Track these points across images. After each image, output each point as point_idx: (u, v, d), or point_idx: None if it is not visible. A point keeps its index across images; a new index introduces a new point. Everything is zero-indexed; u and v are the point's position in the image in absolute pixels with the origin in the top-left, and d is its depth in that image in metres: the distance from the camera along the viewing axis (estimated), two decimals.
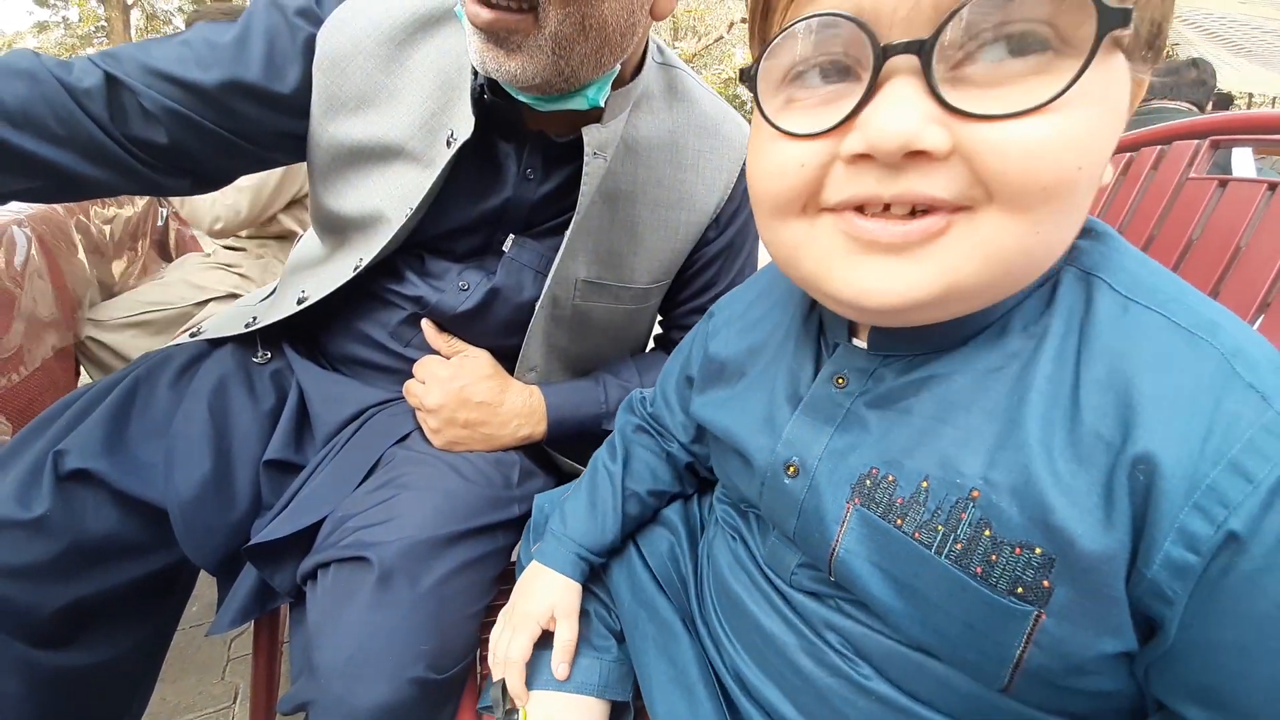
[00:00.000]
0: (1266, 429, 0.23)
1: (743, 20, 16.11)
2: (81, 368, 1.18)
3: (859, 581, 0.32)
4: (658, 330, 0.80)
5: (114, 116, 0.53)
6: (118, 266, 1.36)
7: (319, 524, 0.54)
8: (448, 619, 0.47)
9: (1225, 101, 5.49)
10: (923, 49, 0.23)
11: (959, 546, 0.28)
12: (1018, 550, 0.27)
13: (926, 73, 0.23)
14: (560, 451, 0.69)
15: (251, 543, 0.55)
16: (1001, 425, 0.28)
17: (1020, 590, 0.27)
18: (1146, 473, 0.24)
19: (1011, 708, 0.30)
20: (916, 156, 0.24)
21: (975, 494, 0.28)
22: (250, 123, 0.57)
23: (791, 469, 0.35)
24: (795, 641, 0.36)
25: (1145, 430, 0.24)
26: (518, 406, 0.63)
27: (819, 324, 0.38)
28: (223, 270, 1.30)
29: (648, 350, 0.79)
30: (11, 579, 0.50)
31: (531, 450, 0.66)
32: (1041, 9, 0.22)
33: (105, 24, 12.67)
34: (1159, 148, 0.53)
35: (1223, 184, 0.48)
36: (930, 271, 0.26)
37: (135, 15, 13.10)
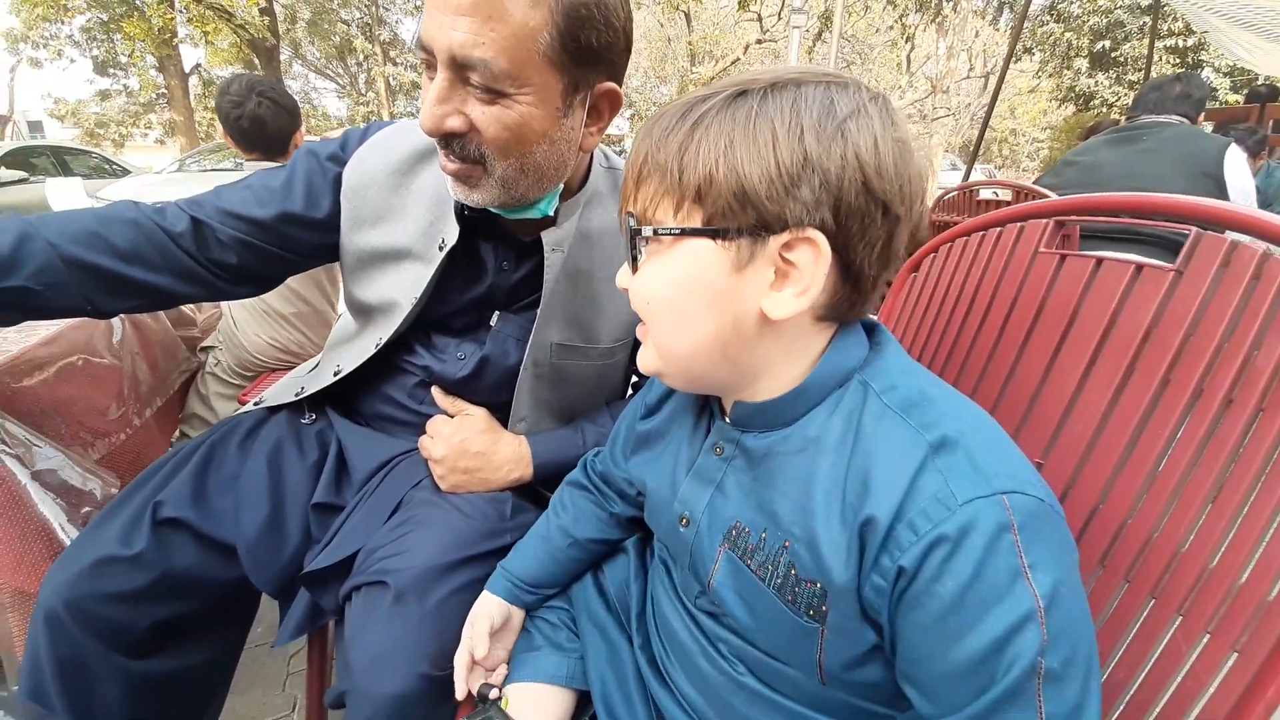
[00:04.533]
0: (938, 500, 0.34)
1: (758, 42, 16.33)
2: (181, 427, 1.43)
3: (726, 603, 0.44)
4: (635, 379, 0.93)
5: (198, 247, 0.71)
6: (202, 328, 1.59)
7: (356, 554, 0.69)
8: (448, 629, 0.59)
9: (1270, 92, 5.21)
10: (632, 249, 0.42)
11: (779, 581, 0.40)
12: (809, 585, 0.38)
13: (630, 260, 0.43)
14: (549, 489, 0.82)
15: (304, 571, 0.70)
16: (801, 494, 0.40)
17: (811, 613, 0.38)
18: (869, 529, 0.36)
19: (834, 695, 0.41)
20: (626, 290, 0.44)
21: (787, 544, 0.40)
22: (297, 242, 0.75)
23: (684, 520, 0.47)
24: (698, 649, 0.48)
25: (870, 501, 0.36)
26: (508, 454, 0.76)
27: (709, 403, 0.50)
28: (275, 323, 1.52)
29: (626, 398, 0.92)
30: (114, 603, 0.65)
31: (522, 488, 0.79)
32: (627, 246, 0.42)
33: (165, 91, 13.77)
34: (1019, 225, 0.63)
35: (1062, 258, 0.58)
36: (647, 354, 0.45)
37: (193, 82, 14.22)
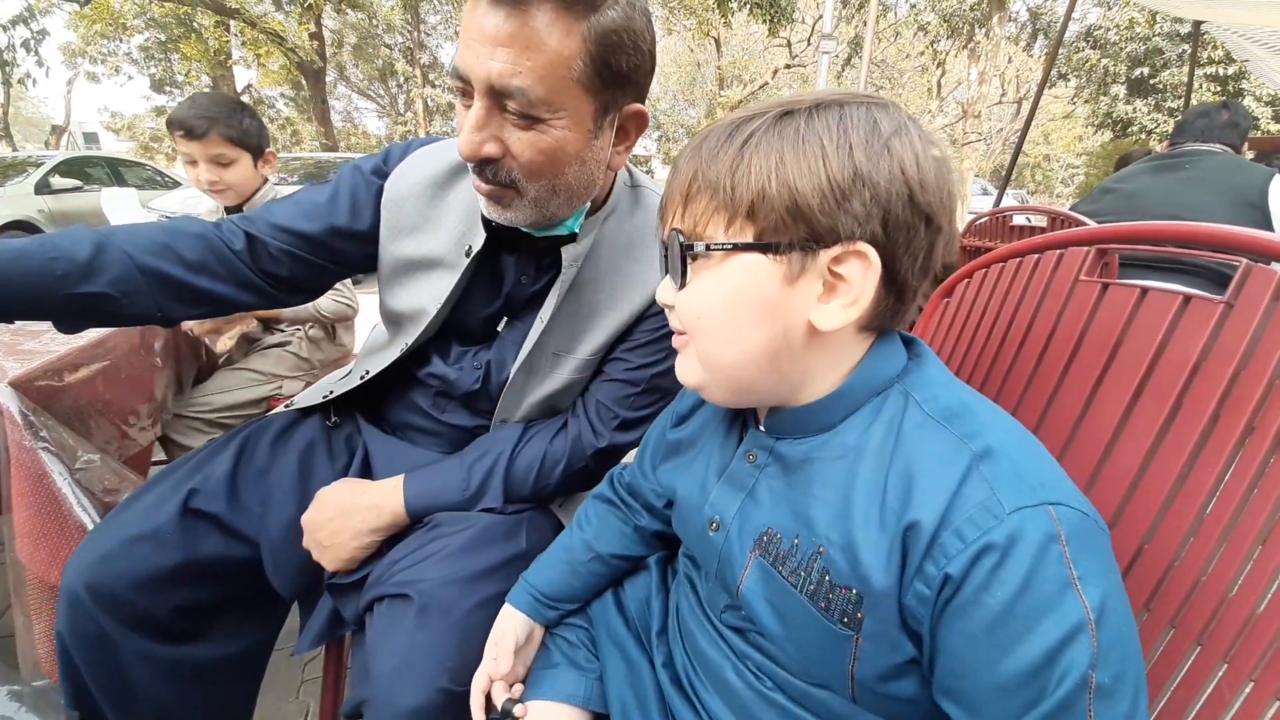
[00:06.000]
0: (985, 508, 0.33)
1: (787, 67, 16.51)
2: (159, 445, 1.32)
3: (754, 610, 0.43)
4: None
5: (254, 259, 0.74)
6: (227, 339, 1.63)
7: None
8: (470, 644, 0.59)
9: None
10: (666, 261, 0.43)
11: (812, 587, 0.39)
12: (844, 590, 0.38)
13: (675, 276, 0.43)
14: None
15: (331, 581, 0.71)
16: (839, 499, 0.39)
17: (845, 620, 0.37)
18: (912, 534, 0.35)
19: (863, 715, 0.40)
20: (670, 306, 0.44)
21: (822, 549, 0.39)
22: (342, 253, 0.78)
23: (715, 525, 0.47)
24: (727, 664, 0.47)
25: (914, 506, 0.35)
26: (364, 502, 0.72)
27: (742, 411, 0.50)
28: (284, 355, 1.52)
29: None
30: (134, 588, 0.67)
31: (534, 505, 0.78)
32: (675, 262, 0.42)
33: None
34: (1058, 252, 0.61)
35: (1104, 287, 0.57)
36: (689, 366, 0.44)
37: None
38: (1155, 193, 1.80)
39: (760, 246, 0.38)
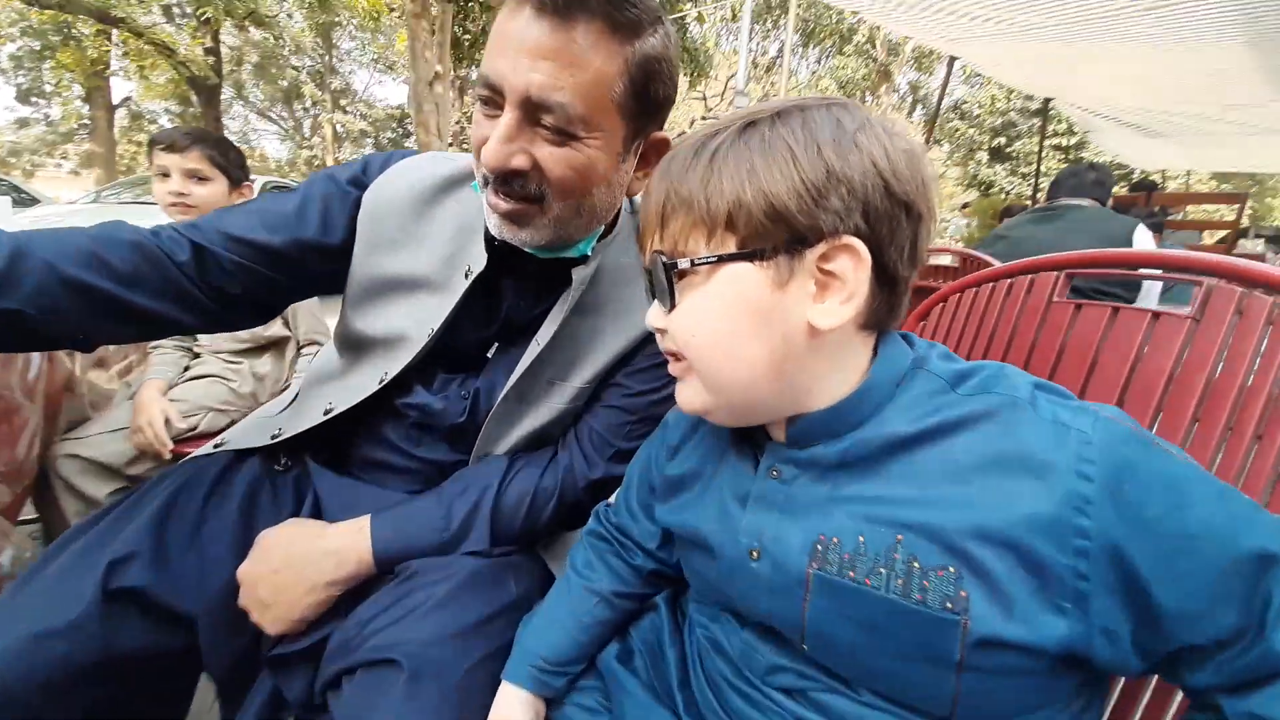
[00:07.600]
0: (1078, 443, 0.34)
1: (703, 118, 17.59)
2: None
3: (827, 631, 0.39)
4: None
5: (201, 273, 0.63)
6: (116, 372, 1.41)
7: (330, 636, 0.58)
8: (470, 711, 0.51)
9: (1150, 185, 6.13)
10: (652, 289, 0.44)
11: (900, 581, 0.36)
12: (939, 572, 0.35)
13: (663, 298, 0.43)
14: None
15: (273, 653, 0.59)
16: (906, 484, 0.38)
17: (949, 605, 0.35)
18: (1025, 499, 0.35)
19: None
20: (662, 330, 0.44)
21: (900, 538, 0.37)
22: (306, 269, 0.69)
23: (754, 554, 0.43)
24: None
25: (1004, 473, 0.36)
26: (320, 547, 0.63)
27: (750, 431, 0.48)
28: (208, 381, 1.31)
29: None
30: (39, 690, 0.52)
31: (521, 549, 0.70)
32: (661, 283, 0.42)
33: (88, 122, 13.05)
34: (1029, 277, 0.67)
35: (1078, 307, 0.62)
36: (692, 392, 0.43)
37: (120, 114, 13.56)
38: (1039, 239, 2.06)
39: (745, 255, 0.38)
